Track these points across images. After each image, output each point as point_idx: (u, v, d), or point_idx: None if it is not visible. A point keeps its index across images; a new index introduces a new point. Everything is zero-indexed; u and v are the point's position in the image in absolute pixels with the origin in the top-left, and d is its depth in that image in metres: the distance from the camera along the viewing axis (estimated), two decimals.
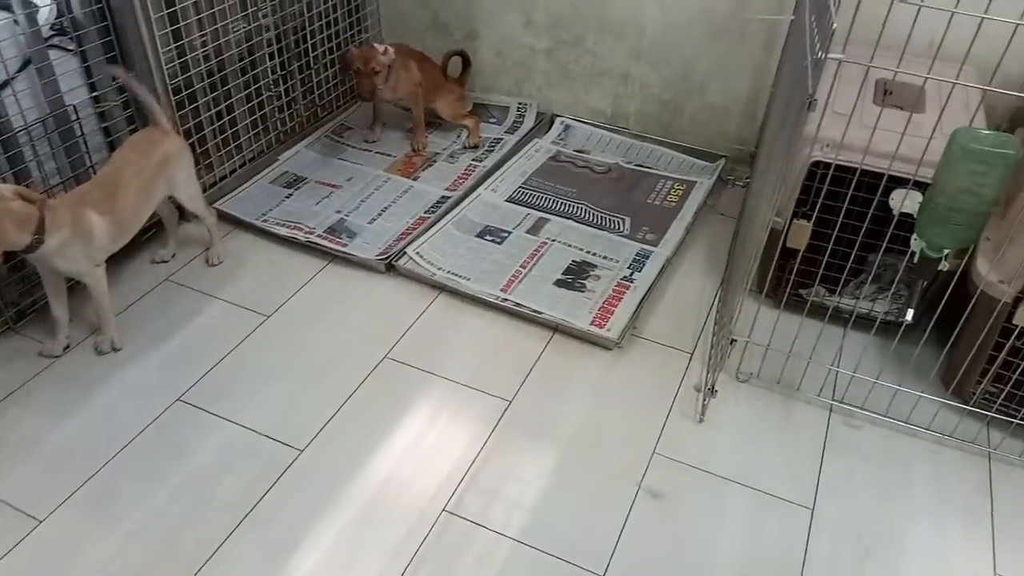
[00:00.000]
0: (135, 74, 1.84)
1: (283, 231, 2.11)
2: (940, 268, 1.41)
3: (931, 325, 1.57)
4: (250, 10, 2.20)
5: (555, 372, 1.76)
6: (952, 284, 1.48)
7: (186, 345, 1.79)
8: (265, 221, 2.15)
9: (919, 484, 1.54)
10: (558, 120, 2.69)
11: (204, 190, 2.19)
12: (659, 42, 2.43)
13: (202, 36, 2.07)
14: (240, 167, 2.33)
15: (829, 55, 1.24)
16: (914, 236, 1.41)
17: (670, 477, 1.53)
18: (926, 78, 1.30)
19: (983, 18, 1.23)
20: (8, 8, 1.64)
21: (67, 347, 1.75)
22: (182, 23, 1.99)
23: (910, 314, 1.55)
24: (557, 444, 1.60)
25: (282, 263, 2.05)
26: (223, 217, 2.16)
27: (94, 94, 1.86)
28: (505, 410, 1.66)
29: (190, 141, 2.10)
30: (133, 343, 1.78)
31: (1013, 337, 1.49)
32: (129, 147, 1.77)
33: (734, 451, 1.59)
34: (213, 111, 2.18)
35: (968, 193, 1.27)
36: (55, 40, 1.77)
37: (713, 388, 1.65)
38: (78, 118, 1.82)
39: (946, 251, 1.39)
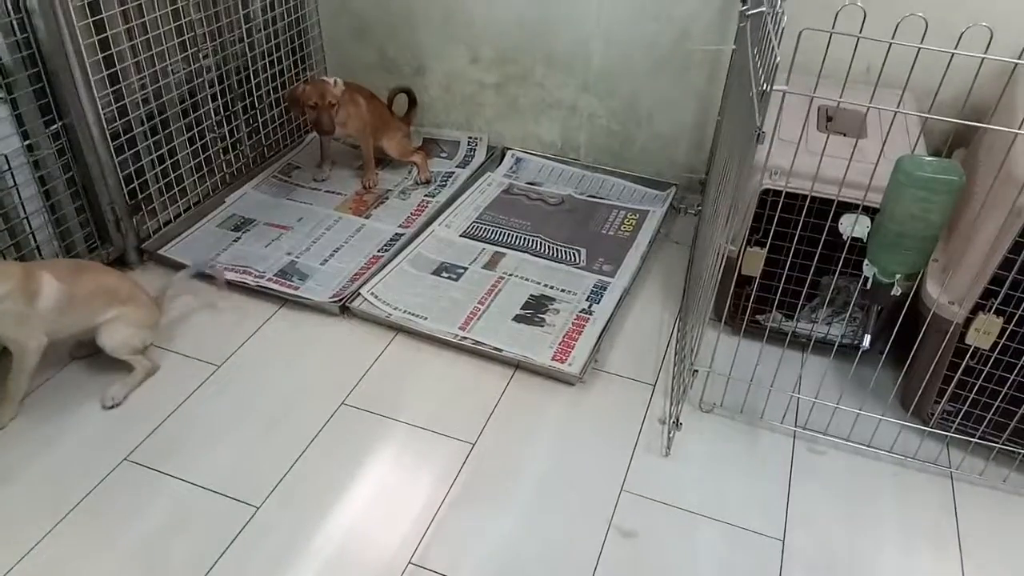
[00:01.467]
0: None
1: (231, 276, 2.04)
2: (893, 293, 1.43)
3: (887, 348, 1.59)
4: (190, 51, 2.16)
5: (518, 411, 1.73)
6: (905, 307, 1.50)
7: (132, 400, 1.71)
8: (212, 267, 2.08)
9: (885, 508, 1.55)
10: (509, 153, 2.69)
11: (148, 236, 2.13)
12: (605, 74, 2.46)
13: (140, 79, 2.02)
14: (185, 211, 2.26)
15: (774, 87, 1.26)
16: (866, 262, 1.43)
17: (639, 514, 1.51)
18: (868, 107, 1.33)
19: (920, 48, 1.26)
20: None
21: None
22: (118, 66, 1.94)
23: (867, 340, 1.56)
24: (524, 486, 1.56)
25: (231, 310, 1.98)
26: (164, 263, 2.10)
27: (27, 142, 1.79)
28: (469, 453, 1.62)
29: (131, 187, 2.04)
30: (76, 399, 1.70)
31: (967, 357, 1.51)
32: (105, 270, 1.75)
33: (702, 484, 1.58)
34: (155, 155, 2.12)
35: (916, 219, 1.29)
36: None
37: (677, 421, 1.64)
38: (10, 168, 1.74)
39: (898, 276, 1.41)
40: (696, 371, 1.66)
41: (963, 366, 1.52)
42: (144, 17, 1.97)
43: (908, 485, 1.60)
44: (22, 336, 1.56)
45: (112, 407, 1.68)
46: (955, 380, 1.55)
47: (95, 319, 1.66)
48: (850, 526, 1.51)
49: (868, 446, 1.65)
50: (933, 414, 1.64)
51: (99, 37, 1.86)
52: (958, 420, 1.60)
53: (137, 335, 1.73)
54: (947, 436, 1.63)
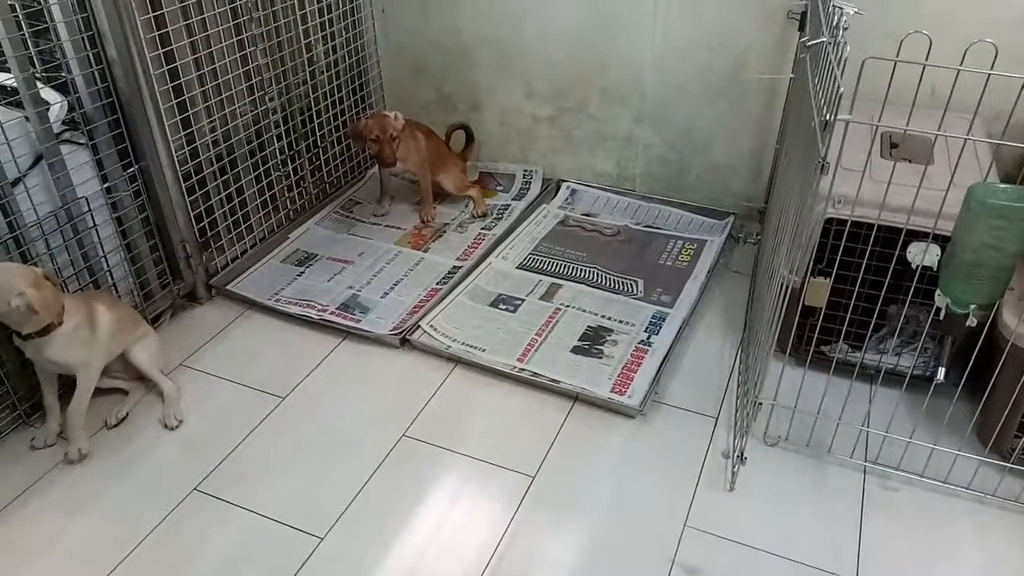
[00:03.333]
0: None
1: (295, 310, 2.10)
2: (967, 323, 1.38)
3: (963, 380, 1.53)
4: (257, 94, 2.24)
5: (578, 444, 1.72)
6: (981, 337, 1.45)
7: (201, 432, 1.76)
8: (277, 300, 2.14)
9: (964, 547, 1.48)
10: (564, 185, 2.70)
11: (216, 272, 2.21)
12: (660, 104, 2.46)
13: (211, 122, 2.11)
14: (251, 247, 2.33)
15: (838, 116, 1.24)
16: (938, 292, 1.39)
17: (704, 551, 1.48)
18: (937, 135, 1.30)
19: (990, 74, 1.23)
20: (20, 106, 1.67)
21: (60, 433, 1.73)
22: (191, 111, 2.02)
23: (941, 373, 1.51)
24: (585, 521, 1.54)
25: (295, 343, 2.03)
26: (235, 298, 2.16)
27: (106, 185, 1.88)
28: (529, 486, 1.62)
29: (201, 225, 2.12)
30: (146, 432, 1.75)
31: None
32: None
33: (769, 520, 1.54)
34: (223, 194, 2.20)
35: (991, 248, 1.25)
36: (66, 135, 1.79)
37: (742, 454, 1.61)
38: (90, 209, 1.83)
39: (972, 306, 1.36)
40: (760, 403, 1.62)
41: None
42: (215, 64, 2.07)
43: (988, 524, 1.53)
44: (89, 357, 1.66)
45: (178, 426, 1.77)
46: None
47: (128, 341, 1.80)
48: (926, 566, 1.45)
49: (944, 482, 1.59)
50: (1013, 449, 1.57)
51: (173, 84, 1.95)
52: None
53: (159, 355, 1.87)
54: None
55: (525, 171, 2.75)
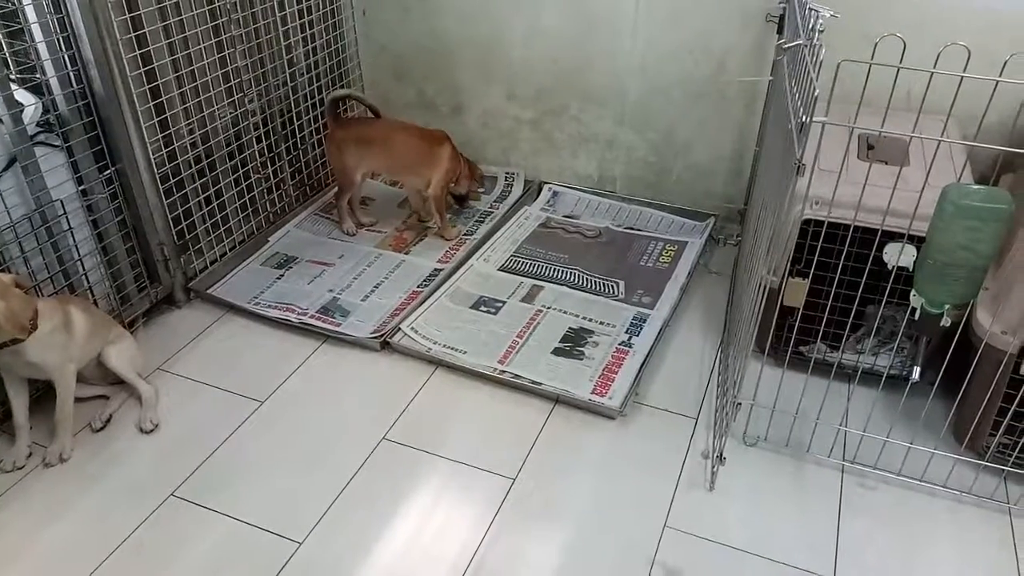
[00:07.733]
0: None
1: (275, 313, 2.08)
2: (942, 323, 1.40)
3: (938, 379, 1.54)
4: (236, 96, 2.23)
5: (558, 445, 1.72)
6: (955, 337, 1.46)
7: (179, 436, 1.74)
8: (257, 304, 2.13)
9: (941, 545, 1.50)
10: (546, 187, 2.71)
11: (195, 275, 2.19)
12: (641, 107, 2.47)
13: (188, 124, 2.09)
14: (230, 250, 2.31)
15: (814, 118, 1.25)
16: (913, 292, 1.40)
17: (684, 551, 1.48)
18: (912, 136, 1.31)
19: (963, 76, 1.24)
20: None
21: (30, 455, 1.68)
22: (168, 113, 2.01)
23: (916, 372, 1.52)
24: (565, 522, 1.54)
25: (275, 346, 2.02)
26: (214, 301, 2.15)
27: (81, 187, 1.86)
28: (509, 489, 1.62)
29: (179, 228, 2.10)
30: (124, 436, 1.74)
31: (1023, 388, 1.46)
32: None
33: (748, 520, 1.54)
34: (202, 196, 2.18)
35: (964, 249, 1.27)
36: (41, 137, 1.77)
37: (721, 455, 1.61)
38: (65, 212, 1.81)
39: (947, 306, 1.38)
40: (739, 404, 1.63)
41: (1019, 397, 1.47)
42: (193, 65, 2.05)
43: (964, 521, 1.54)
44: (63, 360, 1.65)
45: (153, 429, 1.75)
46: (1011, 412, 1.50)
47: (104, 343, 1.78)
48: (904, 564, 1.46)
49: (921, 480, 1.60)
50: (988, 447, 1.59)
51: (150, 86, 1.94)
52: (1015, 453, 1.55)
53: (137, 357, 1.85)
54: (1004, 470, 1.57)
55: (507, 173, 2.75)
